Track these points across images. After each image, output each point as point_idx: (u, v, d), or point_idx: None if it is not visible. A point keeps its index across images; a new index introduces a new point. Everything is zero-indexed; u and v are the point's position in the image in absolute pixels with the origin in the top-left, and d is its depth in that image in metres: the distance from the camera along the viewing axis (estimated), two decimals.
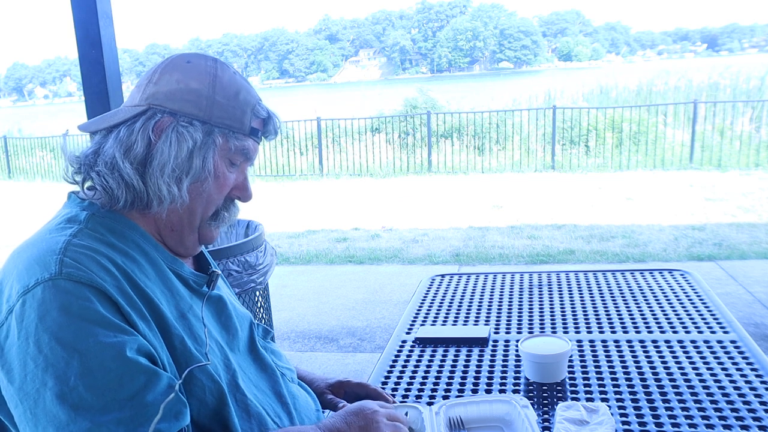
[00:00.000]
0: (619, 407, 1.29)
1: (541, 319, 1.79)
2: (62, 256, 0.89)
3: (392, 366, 1.57)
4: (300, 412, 1.13)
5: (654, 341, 1.59)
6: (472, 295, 2.03)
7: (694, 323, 1.69)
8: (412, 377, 1.50)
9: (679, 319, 1.73)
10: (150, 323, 0.92)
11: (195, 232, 1.08)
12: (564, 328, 1.72)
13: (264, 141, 1.13)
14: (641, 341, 1.60)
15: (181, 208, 1.03)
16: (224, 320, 1.12)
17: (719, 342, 1.57)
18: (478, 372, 1.49)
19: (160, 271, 1.02)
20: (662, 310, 1.79)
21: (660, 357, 1.50)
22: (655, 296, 1.91)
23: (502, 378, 1.46)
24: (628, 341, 1.61)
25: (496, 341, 1.67)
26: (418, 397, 1.40)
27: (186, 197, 1.02)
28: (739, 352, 1.51)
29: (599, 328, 1.71)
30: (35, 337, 0.82)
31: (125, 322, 0.88)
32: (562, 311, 1.84)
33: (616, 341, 1.61)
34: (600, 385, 1.38)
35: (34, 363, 0.81)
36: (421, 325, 1.81)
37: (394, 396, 1.37)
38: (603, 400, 1.32)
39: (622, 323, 1.72)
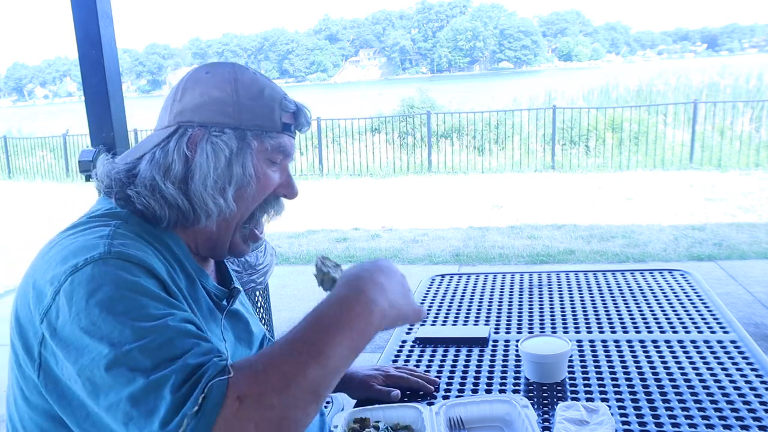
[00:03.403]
0: (619, 407, 1.29)
1: (541, 319, 1.79)
2: (110, 240, 0.90)
3: None
4: None
5: (654, 341, 1.59)
6: (472, 295, 2.03)
7: (694, 323, 1.69)
8: None
9: (679, 319, 1.73)
10: (195, 312, 0.94)
11: (233, 240, 1.08)
12: (564, 328, 1.72)
13: (298, 134, 1.12)
14: (641, 341, 1.60)
15: (229, 216, 1.04)
16: (240, 335, 1.13)
17: (719, 342, 1.57)
18: (478, 372, 1.49)
19: (190, 278, 1.03)
20: (662, 310, 1.79)
21: (660, 357, 1.50)
22: (655, 296, 1.91)
23: (502, 378, 1.45)
24: (628, 341, 1.61)
25: (496, 341, 1.67)
26: (418, 397, 1.40)
27: (233, 205, 1.02)
28: (739, 352, 1.50)
29: (599, 328, 1.71)
30: (87, 311, 0.82)
31: (173, 298, 0.89)
32: (562, 311, 1.84)
33: (616, 341, 1.61)
34: (600, 385, 1.38)
35: (89, 336, 0.81)
36: (421, 325, 1.81)
37: (392, 395, 1.37)
38: (603, 400, 1.32)
39: (622, 323, 1.72)
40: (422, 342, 1.68)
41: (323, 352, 0.82)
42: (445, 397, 1.38)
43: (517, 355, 1.54)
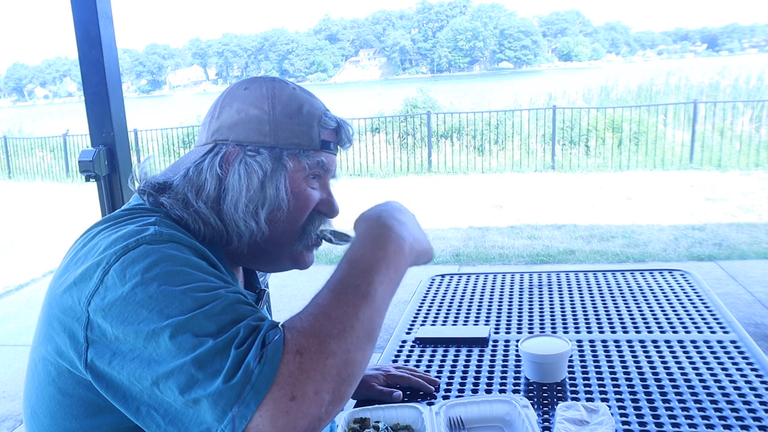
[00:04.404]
0: (619, 407, 1.29)
1: (541, 319, 1.79)
2: (158, 227, 0.90)
3: None
4: None
5: (654, 341, 1.59)
6: (472, 295, 2.03)
7: (694, 323, 1.69)
8: None
9: (679, 319, 1.73)
10: None
11: (283, 257, 1.07)
12: (564, 328, 1.72)
13: (340, 150, 1.10)
14: (641, 341, 1.60)
15: (262, 240, 1.02)
16: None
17: (719, 342, 1.57)
18: (478, 372, 1.49)
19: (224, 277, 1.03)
20: (662, 310, 1.79)
21: (660, 357, 1.50)
22: (655, 296, 1.91)
23: (502, 378, 1.45)
24: (628, 341, 1.61)
25: (496, 341, 1.67)
26: (418, 397, 1.40)
27: (265, 229, 1.00)
28: (739, 352, 1.50)
29: (599, 328, 1.71)
30: (144, 286, 0.81)
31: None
32: (562, 311, 1.84)
33: (616, 341, 1.61)
34: (600, 385, 1.38)
35: (147, 309, 0.79)
36: (421, 325, 1.81)
37: (394, 395, 1.37)
38: (603, 400, 1.32)
39: (622, 323, 1.72)
40: (422, 342, 1.68)
41: (368, 293, 0.84)
42: (445, 397, 1.38)
43: (517, 355, 1.54)
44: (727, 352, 1.51)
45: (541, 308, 1.88)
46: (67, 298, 0.86)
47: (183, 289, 0.81)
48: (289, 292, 5.24)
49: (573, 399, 1.33)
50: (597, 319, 1.77)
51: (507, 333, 1.72)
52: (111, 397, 0.83)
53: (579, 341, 1.63)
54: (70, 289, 0.86)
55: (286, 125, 1.01)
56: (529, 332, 1.71)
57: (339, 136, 1.07)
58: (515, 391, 1.39)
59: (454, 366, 1.54)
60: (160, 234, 0.88)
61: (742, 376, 1.39)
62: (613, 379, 1.41)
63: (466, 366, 1.53)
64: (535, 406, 1.30)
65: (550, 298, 1.96)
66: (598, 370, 1.46)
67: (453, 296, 2.03)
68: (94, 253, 0.87)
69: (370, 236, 0.93)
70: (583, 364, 1.49)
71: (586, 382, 1.40)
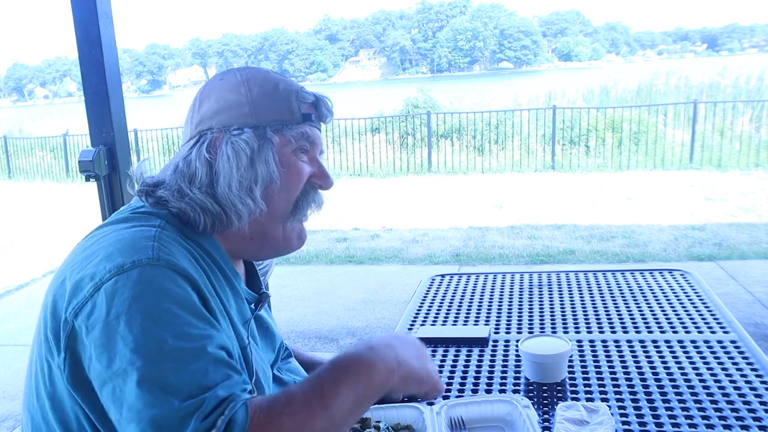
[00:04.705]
0: (619, 407, 1.29)
1: (541, 319, 1.79)
2: (157, 243, 0.89)
3: None
4: None
5: (654, 341, 1.59)
6: (472, 295, 2.03)
7: (694, 323, 1.69)
8: None
9: (679, 319, 1.73)
10: (228, 323, 0.94)
11: (279, 235, 1.07)
12: (564, 328, 1.72)
13: (322, 125, 1.11)
14: (641, 341, 1.60)
15: (261, 216, 1.02)
16: (264, 339, 1.14)
17: (719, 342, 1.57)
18: (478, 372, 1.50)
19: (229, 280, 1.03)
20: (662, 310, 1.79)
21: (660, 357, 1.50)
22: (655, 296, 1.91)
23: (502, 378, 1.46)
24: (628, 341, 1.61)
25: (496, 341, 1.67)
26: (418, 397, 1.39)
27: (262, 204, 1.01)
28: (739, 352, 1.51)
29: (599, 328, 1.71)
30: (127, 316, 0.81)
31: (212, 317, 0.89)
32: (562, 311, 1.84)
33: (616, 341, 1.61)
34: (600, 385, 1.39)
35: (123, 342, 0.80)
36: (421, 325, 1.81)
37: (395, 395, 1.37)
38: (603, 400, 1.32)
39: (622, 323, 1.72)
40: (422, 342, 1.68)
41: (330, 405, 0.84)
42: (445, 398, 1.38)
43: (517, 355, 1.54)
44: (727, 352, 1.51)
45: (541, 308, 1.88)
46: (60, 302, 0.88)
47: (165, 333, 0.81)
48: (289, 292, 5.24)
49: (573, 399, 1.33)
50: (597, 319, 1.77)
51: (507, 333, 1.72)
52: (83, 404, 0.87)
53: (579, 341, 1.63)
54: (63, 296, 0.88)
55: (265, 103, 1.03)
56: (529, 332, 1.71)
57: (319, 110, 1.09)
58: (515, 391, 1.39)
59: (454, 366, 1.54)
60: (157, 259, 0.87)
61: (742, 376, 1.39)
62: (613, 379, 1.41)
63: (466, 366, 1.53)
64: (535, 406, 1.30)
65: (550, 298, 1.96)
66: (598, 370, 1.46)
67: (453, 296, 2.03)
68: (91, 262, 0.88)
69: (352, 352, 0.94)
70: (583, 364, 1.50)
71: (586, 382, 1.41)
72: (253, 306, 1.11)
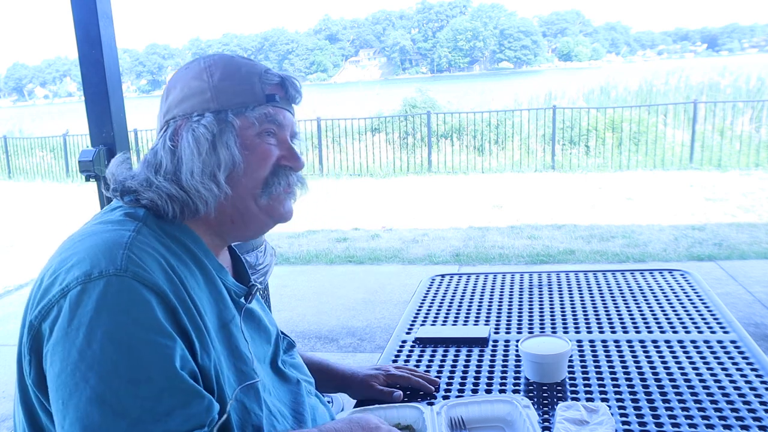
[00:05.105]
0: (619, 407, 1.29)
1: (541, 319, 1.79)
2: (128, 251, 0.88)
3: None
4: (317, 423, 1.13)
5: (654, 341, 1.59)
6: (472, 295, 2.03)
7: (694, 323, 1.69)
8: None
9: (679, 319, 1.73)
10: (201, 333, 0.92)
11: (256, 211, 1.05)
12: (564, 328, 1.72)
13: (293, 106, 1.10)
14: (641, 341, 1.60)
15: (227, 200, 1.02)
16: (257, 333, 1.12)
17: (719, 342, 1.57)
18: (478, 372, 1.49)
19: (210, 278, 1.01)
20: (662, 310, 1.79)
21: (660, 357, 1.50)
22: (655, 296, 1.91)
23: (502, 378, 1.46)
24: (628, 341, 1.61)
25: (496, 341, 1.67)
26: (418, 397, 1.40)
27: (227, 189, 1.00)
28: (739, 352, 1.51)
29: (599, 328, 1.71)
30: (87, 329, 0.80)
31: (179, 331, 0.87)
32: (562, 311, 1.84)
33: (616, 341, 1.61)
34: (600, 385, 1.38)
35: (80, 355, 0.80)
36: (421, 325, 1.81)
37: (394, 395, 1.37)
38: (603, 400, 1.32)
39: (622, 323, 1.72)
40: (422, 342, 1.68)
41: None
42: (445, 397, 1.38)
43: (517, 355, 1.54)
44: (727, 352, 1.51)
45: (541, 308, 1.88)
46: (33, 304, 0.89)
47: (121, 354, 0.80)
48: (289, 292, 5.24)
49: (573, 399, 1.33)
50: (597, 319, 1.77)
51: (507, 333, 1.72)
52: (43, 400, 0.87)
53: (579, 341, 1.63)
54: (36, 297, 0.88)
55: (227, 87, 1.02)
56: (529, 332, 1.71)
57: (286, 90, 1.07)
58: (515, 391, 1.39)
59: (454, 366, 1.54)
60: (125, 270, 0.85)
61: (742, 376, 1.39)
62: (613, 379, 1.41)
63: (466, 366, 1.53)
64: (535, 406, 1.30)
65: (550, 298, 1.96)
66: (598, 370, 1.46)
67: (453, 296, 2.03)
68: (64, 266, 0.88)
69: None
70: (583, 364, 1.50)
71: (586, 382, 1.40)
72: (243, 299, 1.09)
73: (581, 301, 1.91)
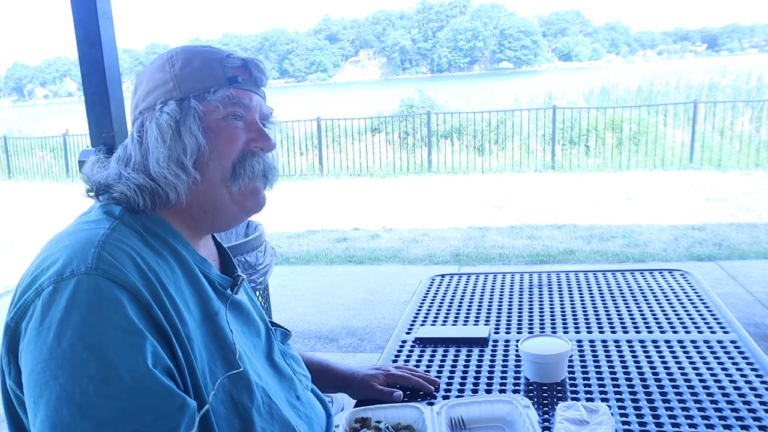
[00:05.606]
0: (619, 407, 1.29)
1: (541, 319, 1.79)
2: (101, 249, 0.88)
3: None
4: (312, 419, 1.13)
5: (654, 341, 1.59)
6: (472, 295, 2.03)
7: (694, 323, 1.69)
8: None
9: (679, 319, 1.73)
10: (178, 330, 0.91)
11: (228, 200, 1.05)
12: (564, 328, 1.72)
13: (259, 88, 1.09)
14: (641, 341, 1.60)
15: (198, 188, 1.02)
16: (245, 325, 1.11)
17: (719, 342, 1.57)
18: (478, 372, 1.50)
19: (190, 272, 1.01)
20: (662, 310, 1.79)
21: (660, 357, 1.50)
22: (655, 296, 1.91)
23: (502, 378, 1.46)
24: (628, 341, 1.61)
25: (496, 341, 1.67)
26: (418, 397, 1.40)
27: (196, 174, 1.00)
28: (739, 352, 1.51)
29: (599, 328, 1.71)
30: (58, 328, 0.81)
31: (153, 328, 0.87)
32: (562, 311, 1.84)
33: (616, 341, 1.61)
34: (600, 385, 1.39)
35: (50, 354, 0.80)
36: (421, 325, 1.81)
37: (394, 395, 1.37)
38: (603, 400, 1.32)
39: (622, 323, 1.72)
40: (422, 342, 1.68)
41: None
42: (445, 397, 1.38)
43: (517, 355, 1.54)
44: (727, 352, 1.51)
45: (541, 308, 1.88)
46: (11, 305, 0.89)
47: (92, 350, 0.80)
48: (289, 292, 5.24)
49: (573, 399, 1.33)
50: (597, 319, 1.77)
51: (507, 333, 1.72)
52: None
53: (579, 341, 1.63)
54: (14, 298, 0.89)
55: (188, 75, 1.02)
56: (529, 332, 1.71)
57: (249, 72, 1.07)
58: (515, 391, 1.39)
59: (454, 366, 1.54)
60: (95, 268, 0.85)
61: (742, 376, 1.39)
62: (613, 379, 1.41)
63: (466, 366, 1.53)
64: (535, 406, 1.30)
65: (550, 298, 1.96)
66: (598, 370, 1.46)
67: (453, 296, 2.03)
68: (42, 266, 0.89)
69: None
70: (583, 364, 1.50)
71: (586, 382, 1.41)
72: (229, 290, 1.09)
73: (581, 301, 1.91)
